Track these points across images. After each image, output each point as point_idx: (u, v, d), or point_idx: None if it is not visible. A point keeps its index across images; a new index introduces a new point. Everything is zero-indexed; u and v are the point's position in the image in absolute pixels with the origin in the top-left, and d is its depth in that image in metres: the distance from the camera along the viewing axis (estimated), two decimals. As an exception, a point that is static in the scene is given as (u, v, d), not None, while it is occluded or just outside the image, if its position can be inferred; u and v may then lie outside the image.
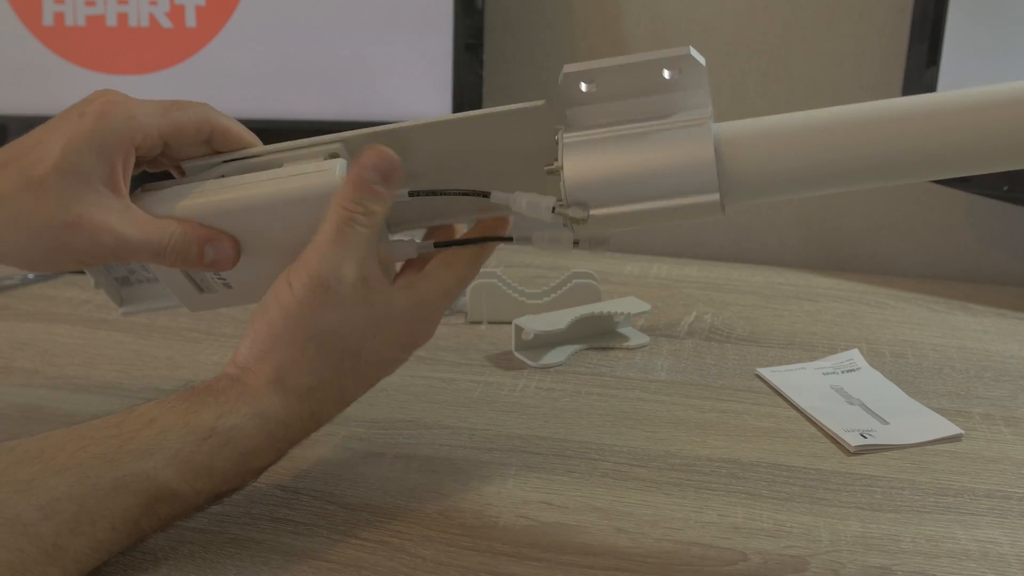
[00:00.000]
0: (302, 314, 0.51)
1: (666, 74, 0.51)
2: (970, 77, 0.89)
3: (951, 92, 0.51)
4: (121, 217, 0.54)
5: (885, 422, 0.66)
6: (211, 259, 0.56)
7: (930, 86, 0.90)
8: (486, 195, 0.54)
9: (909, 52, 0.92)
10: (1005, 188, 0.87)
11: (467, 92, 0.98)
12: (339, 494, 0.56)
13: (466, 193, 0.55)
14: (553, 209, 0.52)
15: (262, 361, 0.52)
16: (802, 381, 0.72)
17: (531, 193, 0.53)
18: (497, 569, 0.50)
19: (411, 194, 0.55)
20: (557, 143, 0.53)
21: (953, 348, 0.80)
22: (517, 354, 0.75)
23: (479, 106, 0.99)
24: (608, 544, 0.52)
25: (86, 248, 0.53)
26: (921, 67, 0.91)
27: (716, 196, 0.51)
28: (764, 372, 0.73)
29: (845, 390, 0.71)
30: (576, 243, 0.53)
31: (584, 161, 0.52)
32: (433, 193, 0.55)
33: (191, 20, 0.98)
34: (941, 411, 0.68)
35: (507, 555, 0.51)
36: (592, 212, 0.52)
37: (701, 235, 1.10)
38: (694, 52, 0.50)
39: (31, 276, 0.93)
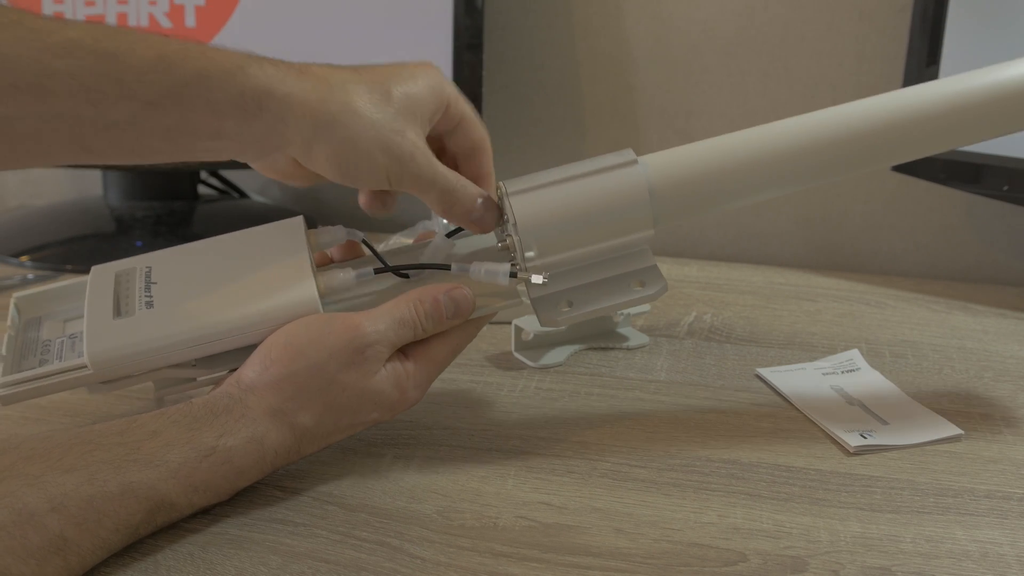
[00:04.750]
0: (327, 366, 0.55)
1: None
2: (970, 77, 0.88)
3: (853, 104, 0.61)
4: (429, 152, 0.58)
5: (885, 422, 0.66)
6: (478, 217, 0.59)
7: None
8: (447, 268, 0.59)
9: (909, 52, 0.92)
10: (1005, 188, 0.87)
11: (467, 92, 0.98)
12: (338, 494, 0.56)
13: (427, 267, 0.60)
14: (513, 275, 0.58)
15: (270, 390, 0.54)
16: (802, 381, 0.72)
17: (488, 262, 0.59)
18: (497, 569, 0.50)
19: (377, 271, 0.59)
20: (500, 194, 0.59)
21: (953, 348, 0.80)
22: (517, 354, 0.75)
23: (479, 105, 0.98)
24: (608, 544, 0.52)
25: (398, 158, 0.56)
26: (921, 67, 0.91)
27: (651, 232, 0.59)
28: (764, 372, 0.73)
29: (845, 390, 0.71)
30: (514, 275, 0.58)
31: (533, 210, 0.57)
32: (397, 269, 0.60)
33: (191, 20, 0.98)
34: (941, 411, 0.68)
35: (507, 555, 0.51)
36: (542, 261, 0.58)
37: (701, 235, 1.10)
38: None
39: (31, 277, 0.93)
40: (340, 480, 0.58)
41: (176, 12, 0.98)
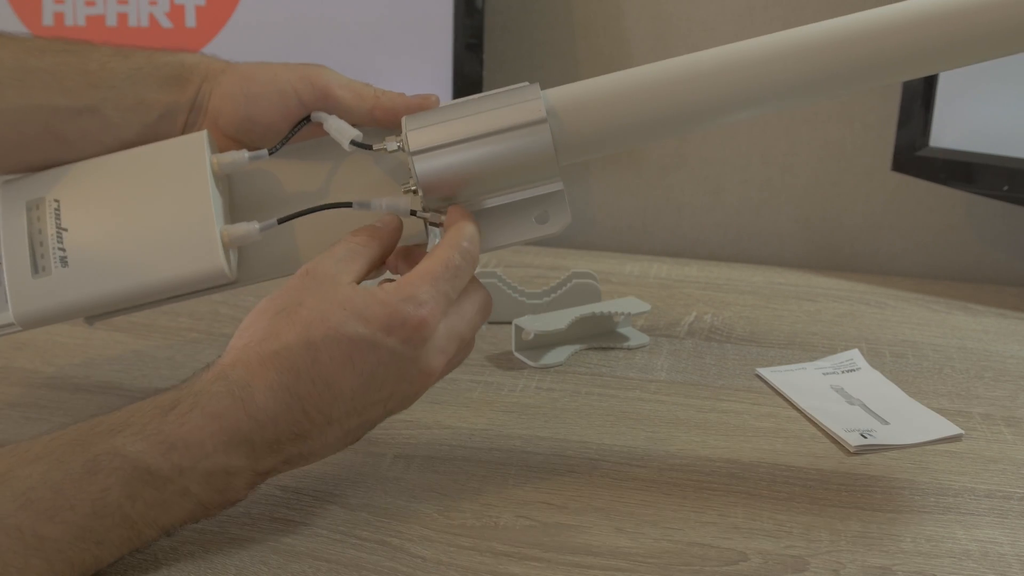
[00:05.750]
0: (280, 294, 0.53)
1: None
2: (969, 75, 0.89)
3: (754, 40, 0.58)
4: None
5: (885, 422, 0.66)
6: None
7: (930, 83, 0.90)
8: (348, 205, 0.58)
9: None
10: (1005, 188, 0.87)
11: (467, 92, 0.98)
12: (339, 493, 0.56)
13: (328, 207, 0.58)
14: (413, 212, 0.57)
15: (229, 348, 0.52)
16: (802, 381, 0.72)
17: (388, 198, 0.58)
18: (497, 569, 0.50)
19: (280, 221, 0.58)
20: (402, 133, 0.56)
21: (953, 348, 0.80)
22: (517, 354, 0.75)
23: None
24: (609, 543, 0.52)
25: (306, 70, 0.61)
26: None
27: (560, 186, 0.57)
28: (764, 372, 0.73)
29: (845, 390, 0.71)
30: (414, 213, 0.58)
31: (436, 172, 0.56)
32: (299, 214, 0.58)
33: (191, 20, 0.99)
34: (941, 411, 0.68)
35: (507, 555, 0.51)
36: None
37: (701, 235, 1.10)
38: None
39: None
40: (340, 479, 0.58)
41: (176, 12, 0.98)
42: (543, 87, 0.59)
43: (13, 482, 0.45)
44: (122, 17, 0.99)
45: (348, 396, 0.51)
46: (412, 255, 0.58)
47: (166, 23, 0.99)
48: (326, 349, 0.50)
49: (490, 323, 0.82)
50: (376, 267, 0.57)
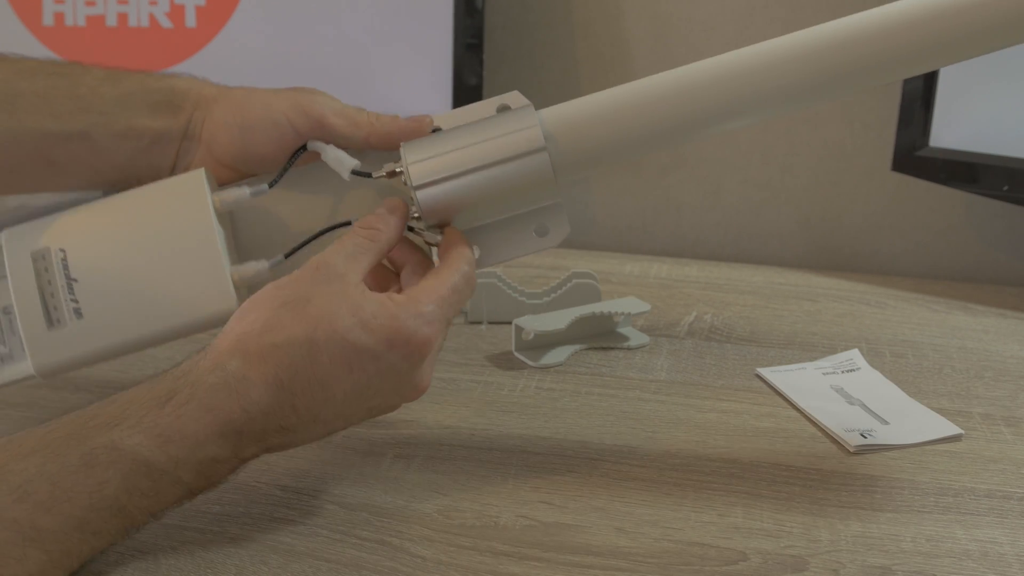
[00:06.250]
0: (287, 284, 0.52)
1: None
2: (968, 74, 0.89)
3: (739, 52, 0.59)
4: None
5: (885, 422, 0.66)
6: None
7: (930, 83, 0.90)
8: (347, 224, 0.58)
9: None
10: (1005, 188, 0.87)
11: (467, 92, 0.98)
12: (339, 493, 0.56)
13: (329, 230, 0.59)
14: (410, 229, 0.58)
15: (228, 332, 0.51)
16: (802, 381, 0.72)
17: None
18: (497, 569, 0.50)
19: (287, 256, 0.59)
20: (402, 163, 0.57)
21: (953, 348, 0.80)
22: (517, 354, 0.75)
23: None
24: (608, 543, 0.52)
25: (299, 100, 0.60)
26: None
27: (559, 199, 0.58)
28: (764, 372, 0.73)
29: (845, 390, 0.71)
30: (411, 229, 0.58)
31: (437, 197, 0.57)
32: (303, 245, 0.59)
33: (191, 20, 0.99)
34: (941, 411, 0.68)
35: (507, 555, 0.51)
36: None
37: (701, 235, 1.10)
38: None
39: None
40: (341, 479, 0.58)
41: (176, 12, 0.98)
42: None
43: (9, 476, 0.45)
44: (122, 17, 0.99)
45: (340, 400, 0.51)
46: (420, 263, 0.59)
47: (166, 23, 0.99)
48: (327, 351, 0.50)
49: (490, 323, 0.82)
50: (381, 259, 0.56)
